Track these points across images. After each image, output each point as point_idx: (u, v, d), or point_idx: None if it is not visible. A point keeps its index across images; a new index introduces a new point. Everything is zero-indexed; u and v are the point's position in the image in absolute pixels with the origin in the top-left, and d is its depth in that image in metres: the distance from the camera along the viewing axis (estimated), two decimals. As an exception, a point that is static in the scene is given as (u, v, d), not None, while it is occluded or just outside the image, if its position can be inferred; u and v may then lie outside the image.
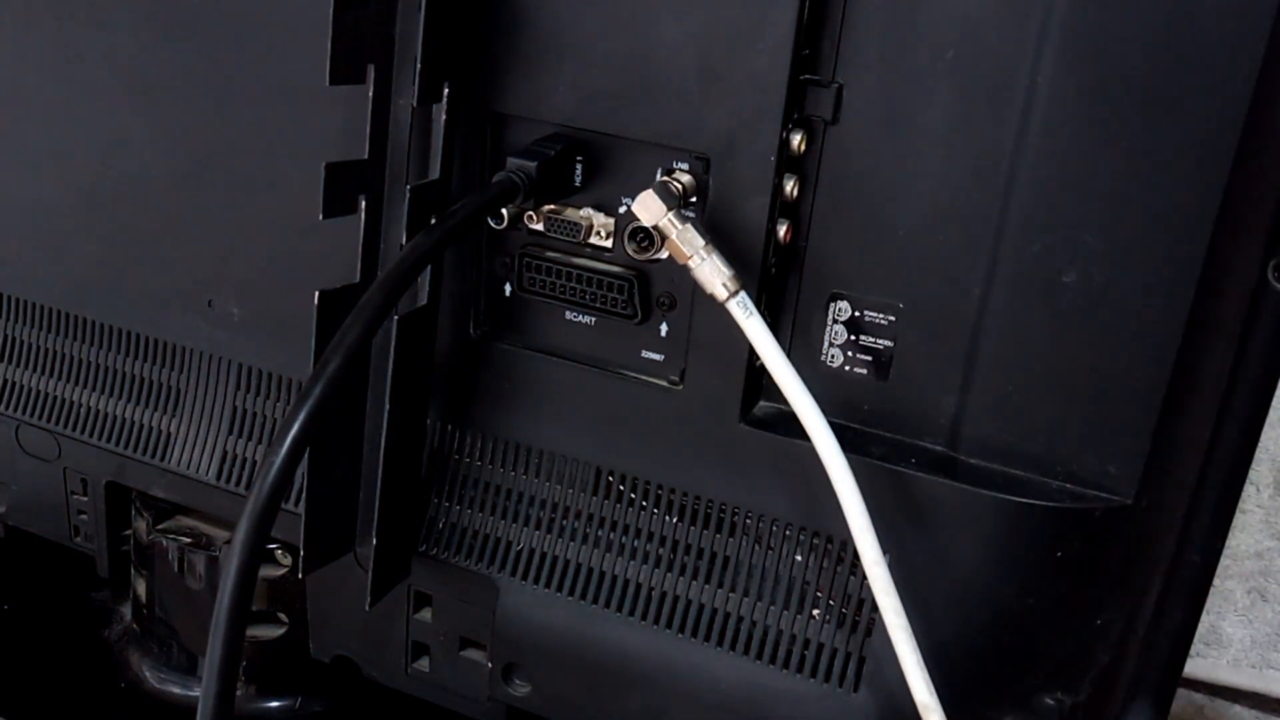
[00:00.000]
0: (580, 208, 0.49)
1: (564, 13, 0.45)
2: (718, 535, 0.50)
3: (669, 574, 0.51)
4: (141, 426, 0.60)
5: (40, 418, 0.63)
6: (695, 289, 0.45)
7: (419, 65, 0.45)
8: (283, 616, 0.62)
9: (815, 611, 0.49)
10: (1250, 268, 0.41)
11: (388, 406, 0.49)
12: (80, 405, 0.62)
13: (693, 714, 0.52)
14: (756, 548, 0.50)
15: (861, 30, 0.42)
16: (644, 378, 0.50)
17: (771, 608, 0.50)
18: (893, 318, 0.46)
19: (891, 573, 0.45)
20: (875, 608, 0.46)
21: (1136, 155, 0.40)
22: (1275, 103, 0.38)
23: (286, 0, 0.49)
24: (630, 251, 0.48)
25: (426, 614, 0.57)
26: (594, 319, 0.50)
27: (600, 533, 0.52)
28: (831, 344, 0.47)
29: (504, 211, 0.49)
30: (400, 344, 0.48)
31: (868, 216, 0.44)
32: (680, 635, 0.51)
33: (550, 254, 0.50)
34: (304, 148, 0.50)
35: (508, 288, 0.51)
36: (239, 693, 0.63)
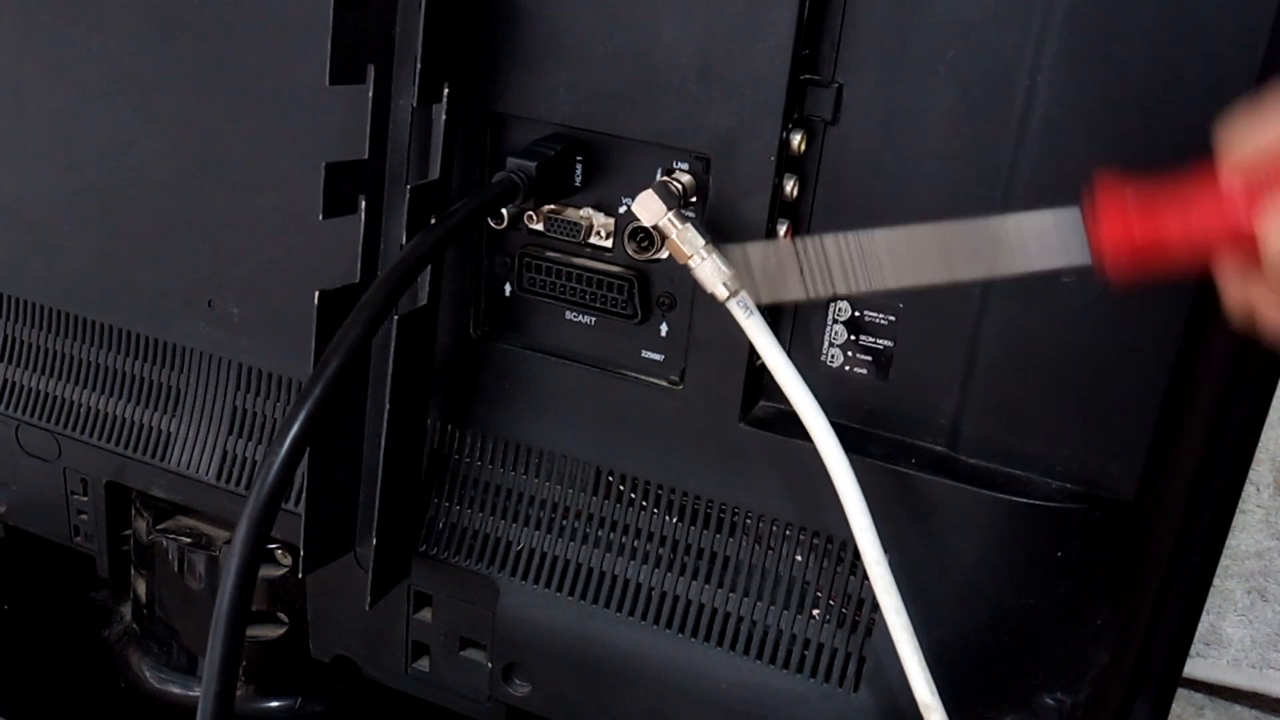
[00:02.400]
0: (580, 208, 0.49)
1: (564, 13, 0.45)
2: (718, 535, 0.50)
3: (669, 574, 0.51)
4: (141, 426, 0.60)
5: (40, 418, 0.63)
6: (695, 289, 0.45)
7: (419, 65, 0.45)
8: (283, 616, 0.62)
9: (815, 611, 0.49)
10: (1250, 268, 0.41)
11: (388, 406, 0.49)
12: (80, 405, 0.62)
13: (693, 714, 0.52)
14: (756, 548, 0.50)
15: (861, 30, 0.42)
16: (644, 377, 0.50)
17: (771, 608, 0.50)
18: (893, 318, 0.46)
19: (892, 572, 0.45)
20: (875, 607, 0.46)
21: (1136, 155, 0.40)
22: (1275, 103, 0.38)
23: (286, 0, 0.49)
24: (630, 251, 0.48)
25: (426, 614, 0.57)
26: (594, 319, 0.50)
27: (600, 533, 0.52)
28: (831, 344, 0.47)
29: (504, 211, 0.49)
30: (400, 344, 0.48)
31: (868, 216, 0.44)
32: (680, 635, 0.51)
33: (550, 254, 0.50)
34: (304, 148, 0.50)
35: (508, 288, 0.51)
36: (239, 693, 0.63)
